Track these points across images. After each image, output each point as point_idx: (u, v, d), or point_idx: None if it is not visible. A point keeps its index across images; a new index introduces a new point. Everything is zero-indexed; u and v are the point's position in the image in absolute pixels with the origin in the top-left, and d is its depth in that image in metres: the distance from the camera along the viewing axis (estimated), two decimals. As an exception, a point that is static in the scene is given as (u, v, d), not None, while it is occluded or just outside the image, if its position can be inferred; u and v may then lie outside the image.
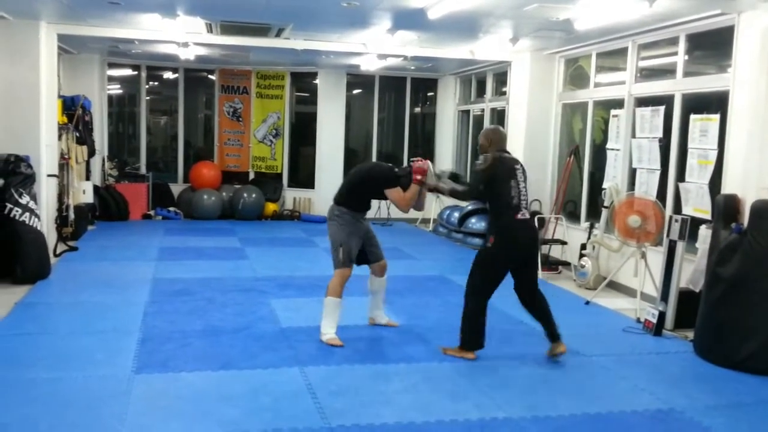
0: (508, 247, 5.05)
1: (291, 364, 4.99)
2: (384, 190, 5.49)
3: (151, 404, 4.23)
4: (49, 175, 8.69)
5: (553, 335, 5.22)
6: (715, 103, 6.61)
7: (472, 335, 5.17)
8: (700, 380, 5.12)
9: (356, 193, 5.58)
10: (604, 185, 8.19)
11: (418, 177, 5.41)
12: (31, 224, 7.25)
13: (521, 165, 5.23)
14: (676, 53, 7.28)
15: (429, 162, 5.60)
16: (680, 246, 6.26)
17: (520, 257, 5.13)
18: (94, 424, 3.92)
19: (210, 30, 8.85)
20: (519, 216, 5.05)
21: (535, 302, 5.24)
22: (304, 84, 13.75)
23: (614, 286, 7.65)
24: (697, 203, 6.59)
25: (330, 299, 5.45)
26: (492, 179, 5.07)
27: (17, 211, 7.14)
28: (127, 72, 13.12)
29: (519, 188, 5.07)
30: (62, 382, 4.50)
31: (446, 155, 13.43)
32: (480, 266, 5.17)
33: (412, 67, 12.52)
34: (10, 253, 7.05)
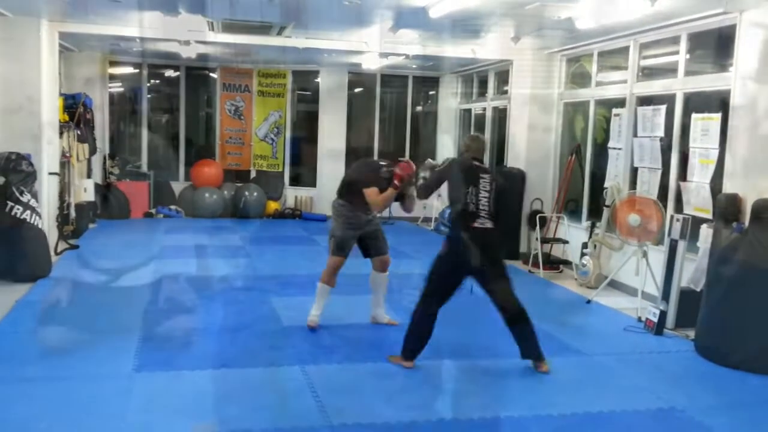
0: (456, 255, 4.84)
1: (292, 362, 4.99)
2: (362, 189, 5.59)
3: (153, 403, 4.23)
4: (50, 173, 8.69)
5: (530, 355, 4.99)
6: (717, 103, 6.60)
7: (408, 344, 4.96)
8: (701, 379, 5.12)
9: (351, 188, 5.71)
10: (606, 184, 8.18)
11: (396, 183, 5.50)
12: (32, 222, 7.25)
13: (495, 175, 5.09)
14: (677, 52, 7.27)
15: (412, 165, 5.66)
16: (681, 245, 6.25)
17: (471, 267, 4.81)
18: (96, 422, 3.92)
19: (212, 28, 8.85)
20: (476, 224, 4.85)
21: (512, 318, 4.93)
22: (306, 82, 13.72)
23: (615, 285, 7.63)
24: (699, 202, 6.57)
25: (319, 285, 5.72)
26: (451, 183, 5.00)
27: (18, 209, 7.13)
28: (129, 70, 13.10)
29: (479, 196, 4.88)
30: (63, 380, 4.50)
31: (447, 154, 13.38)
32: (433, 272, 4.98)
33: (414, 66, 12.50)
34: (11, 251, 7.05)
